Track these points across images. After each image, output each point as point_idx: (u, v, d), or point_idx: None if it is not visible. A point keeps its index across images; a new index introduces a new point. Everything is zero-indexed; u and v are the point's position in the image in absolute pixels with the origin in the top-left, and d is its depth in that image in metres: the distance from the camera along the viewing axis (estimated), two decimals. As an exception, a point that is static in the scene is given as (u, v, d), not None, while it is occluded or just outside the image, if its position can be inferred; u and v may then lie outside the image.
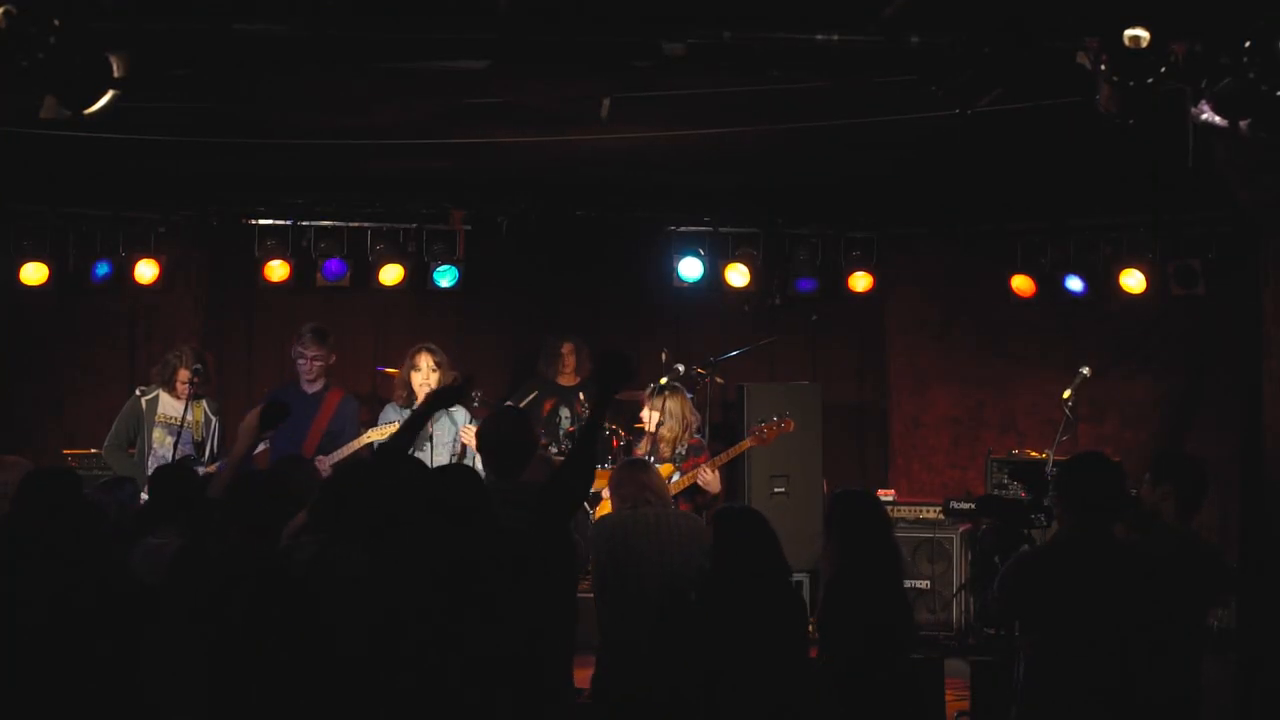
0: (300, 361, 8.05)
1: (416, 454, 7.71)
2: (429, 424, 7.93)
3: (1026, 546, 5.30)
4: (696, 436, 8.00)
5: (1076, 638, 4.59)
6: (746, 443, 8.07)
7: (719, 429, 9.11)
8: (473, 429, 7.62)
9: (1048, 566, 4.75)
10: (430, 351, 8.09)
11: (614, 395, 4.70)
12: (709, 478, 7.73)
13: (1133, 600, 4.63)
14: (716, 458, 7.95)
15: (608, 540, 5.66)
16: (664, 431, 7.84)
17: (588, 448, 4.63)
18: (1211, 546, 5.34)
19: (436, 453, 7.91)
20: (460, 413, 8.15)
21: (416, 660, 4.24)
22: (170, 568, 4.58)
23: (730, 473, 9.70)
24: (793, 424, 8.09)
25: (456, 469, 5.29)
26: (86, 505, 4.77)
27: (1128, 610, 4.62)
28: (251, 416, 5.43)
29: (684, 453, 7.86)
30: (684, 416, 7.91)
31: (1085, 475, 4.79)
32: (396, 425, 7.87)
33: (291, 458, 6.41)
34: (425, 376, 8.00)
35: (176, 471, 5.81)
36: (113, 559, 4.76)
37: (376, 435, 7.90)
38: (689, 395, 8.13)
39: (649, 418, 7.91)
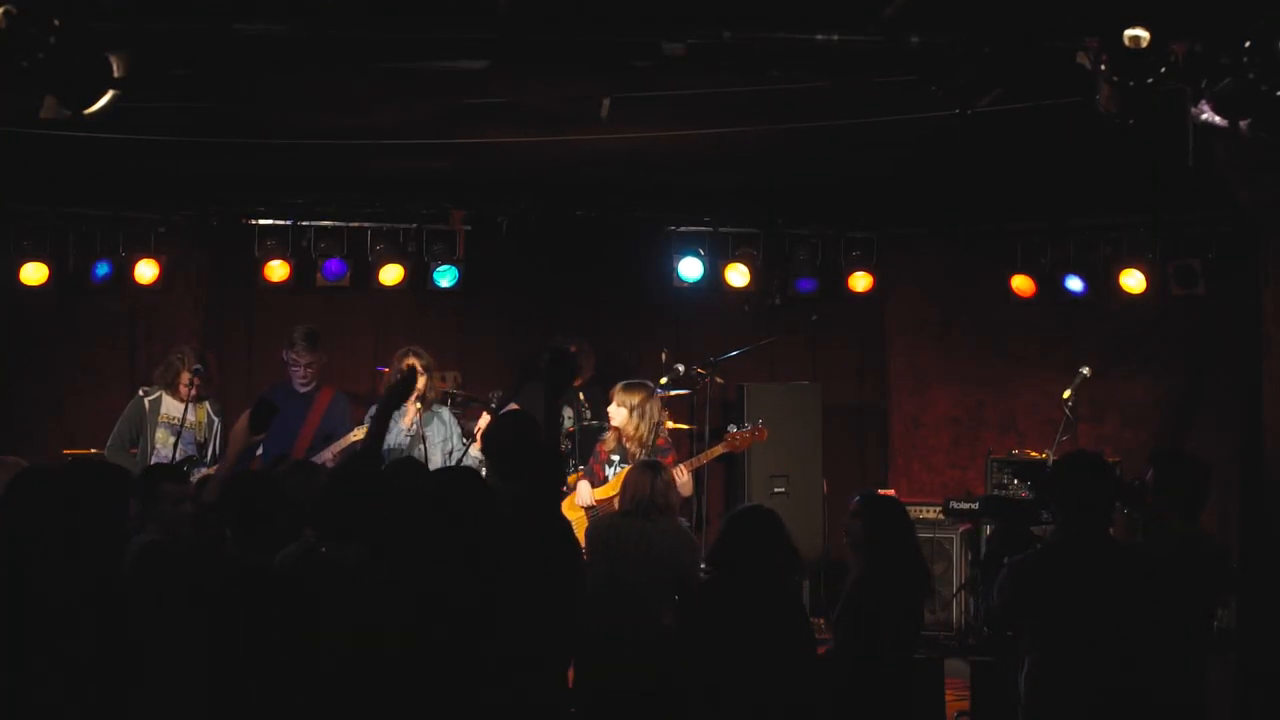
0: (294, 369, 8.05)
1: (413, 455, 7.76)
2: (407, 423, 7.94)
3: (1038, 545, 5.29)
4: (664, 438, 7.95)
5: (1076, 640, 4.58)
6: (718, 448, 8.02)
7: (719, 430, 9.10)
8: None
9: (1044, 569, 4.73)
10: (416, 355, 8.09)
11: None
12: (683, 479, 7.66)
13: (1132, 600, 4.62)
14: (690, 460, 7.90)
15: (595, 546, 5.69)
16: (631, 431, 7.74)
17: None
18: (1214, 544, 5.31)
19: (431, 453, 7.91)
20: (444, 411, 8.16)
21: (407, 662, 4.24)
22: (133, 563, 4.54)
23: (730, 473, 9.72)
24: (766, 433, 8.02)
25: (458, 471, 5.30)
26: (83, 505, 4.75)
27: (1126, 611, 4.60)
28: (241, 421, 5.46)
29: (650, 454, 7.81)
30: (656, 418, 7.83)
31: (1078, 476, 4.77)
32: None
33: (291, 461, 6.41)
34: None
35: (165, 472, 5.77)
36: (109, 557, 4.72)
37: (362, 434, 7.88)
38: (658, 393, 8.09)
39: (619, 415, 7.76)
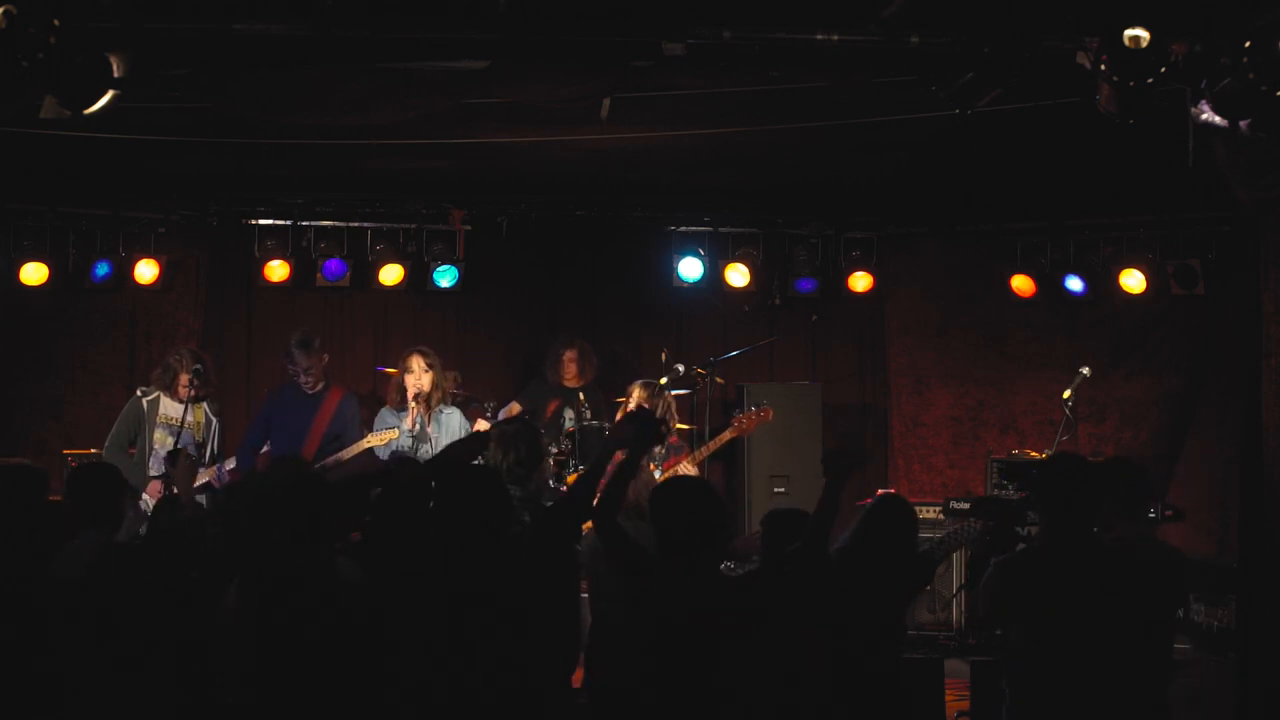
0: (297, 377, 8.05)
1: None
2: (428, 427, 7.92)
3: (1022, 545, 5.28)
4: (675, 436, 7.97)
5: (1055, 639, 4.57)
6: (726, 434, 8.07)
7: (719, 430, 9.11)
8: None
9: (1025, 570, 4.70)
10: (421, 354, 8.09)
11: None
12: (690, 474, 7.72)
13: (1110, 602, 4.59)
14: (697, 451, 7.94)
15: (595, 551, 5.67)
16: None
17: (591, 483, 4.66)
18: (1165, 549, 5.19)
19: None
20: (456, 414, 8.15)
21: (413, 668, 4.24)
22: (91, 566, 4.51)
23: (731, 473, 9.72)
24: (771, 413, 8.07)
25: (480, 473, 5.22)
26: (48, 504, 4.74)
27: (1105, 612, 4.58)
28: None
29: (664, 452, 7.85)
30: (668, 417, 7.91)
31: (1062, 477, 4.74)
32: (395, 431, 7.90)
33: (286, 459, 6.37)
34: (417, 378, 8.00)
35: (96, 472, 5.64)
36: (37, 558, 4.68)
37: (375, 440, 7.89)
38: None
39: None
